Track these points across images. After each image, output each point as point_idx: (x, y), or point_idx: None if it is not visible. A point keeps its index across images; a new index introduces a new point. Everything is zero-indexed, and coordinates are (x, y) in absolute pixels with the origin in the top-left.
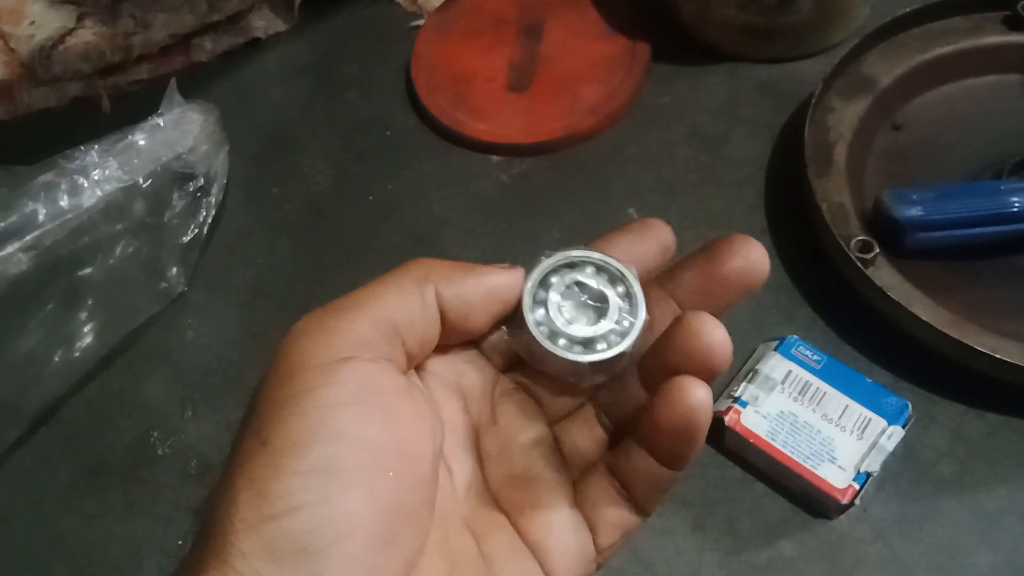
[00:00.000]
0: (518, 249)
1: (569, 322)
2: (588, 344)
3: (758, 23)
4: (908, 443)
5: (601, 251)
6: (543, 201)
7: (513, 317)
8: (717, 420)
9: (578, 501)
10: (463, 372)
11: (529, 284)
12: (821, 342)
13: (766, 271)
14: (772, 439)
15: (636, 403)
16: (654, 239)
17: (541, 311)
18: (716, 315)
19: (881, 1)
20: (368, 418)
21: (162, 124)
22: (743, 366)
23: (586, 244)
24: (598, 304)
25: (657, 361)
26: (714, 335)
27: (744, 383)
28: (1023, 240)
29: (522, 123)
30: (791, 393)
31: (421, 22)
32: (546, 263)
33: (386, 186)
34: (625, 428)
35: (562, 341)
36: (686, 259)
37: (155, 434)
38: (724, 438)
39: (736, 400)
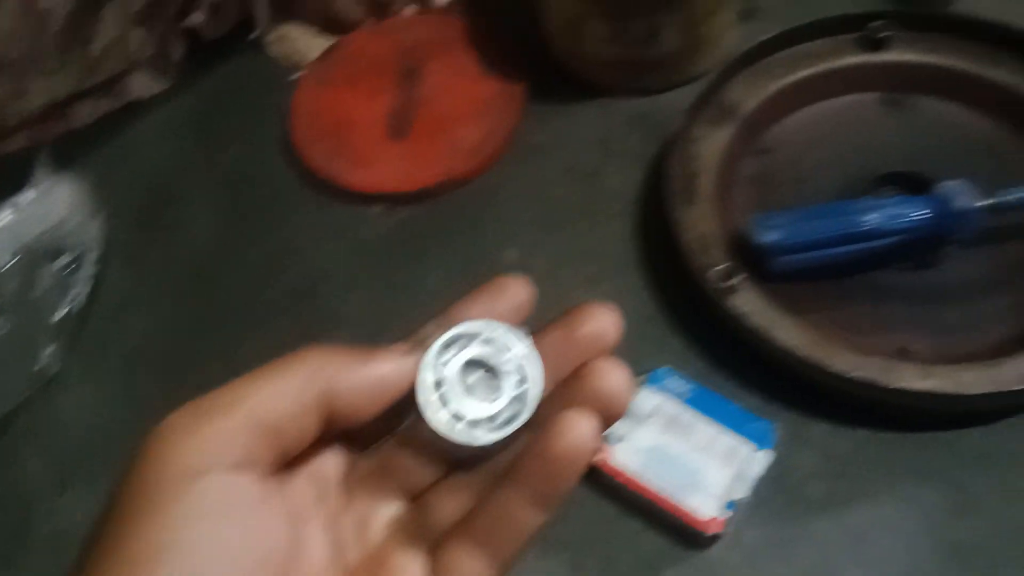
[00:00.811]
0: (400, 299)
1: (468, 399)
2: (493, 420)
3: (628, 56)
4: (778, 465)
5: (458, 315)
6: (425, 247)
7: (409, 404)
8: None
9: (437, 570)
10: (325, 458)
11: (423, 371)
12: (693, 370)
13: (617, 338)
14: (642, 474)
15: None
16: (508, 298)
17: (438, 397)
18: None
19: (751, 29)
20: (226, 530)
21: (31, 199)
22: None
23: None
24: (494, 376)
25: (552, 406)
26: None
27: None
28: (882, 255)
29: (402, 170)
30: (661, 425)
31: (300, 73)
32: (437, 344)
33: (268, 242)
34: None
35: (463, 424)
36: (546, 327)
37: (31, 518)
38: (598, 475)
39: (607, 437)
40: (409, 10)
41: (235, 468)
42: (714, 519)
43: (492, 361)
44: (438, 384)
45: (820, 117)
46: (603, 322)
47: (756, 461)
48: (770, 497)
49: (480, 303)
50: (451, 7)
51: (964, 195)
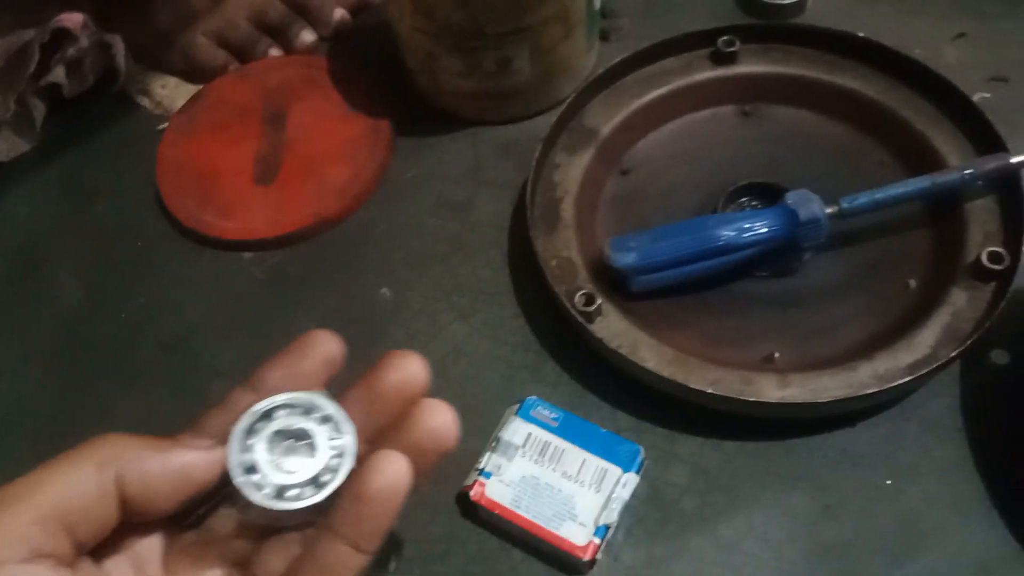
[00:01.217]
0: (275, 347)
1: (282, 471)
2: (312, 482)
3: (485, 88)
4: (652, 484)
5: (267, 376)
6: (298, 292)
7: (228, 491)
8: (464, 495)
9: None
10: (145, 536)
11: (231, 455)
12: (567, 395)
13: (424, 382)
14: (516, 507)
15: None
16: (317, 354)
17: (252, 477)
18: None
19: (613, 49)
20: None
21: None
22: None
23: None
24: (307, 442)
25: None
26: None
27: (488, 453)
28: (740, 267)
29: (271, 216)
30: (532, 456)
31: (166, 124)
32: (241, 425)
33: (139, 297)
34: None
35: (282, 494)
36: (355, 382)
37: None
38: (475, 511)
39: (481, 472)
40: (273, 53)
41: (28, 560)
42: (591, 542)
43: (301, 427)
44: (250, 467)
45: (678, 134)
46: (408, 370)
47: (625, 484)
48: (645, 516)
49: (288, 363)
50: (315, 49)
51: (810, 203)
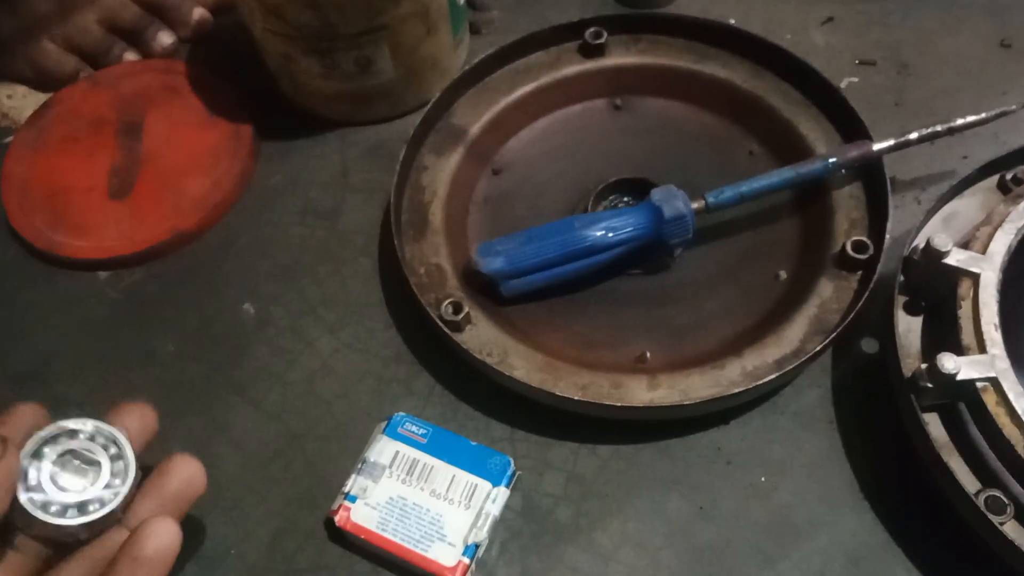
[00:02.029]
0: (134, 373)
1: (62, 489)
2: (82, 507)
3: (348, 89)
4: (526, 494)
5: (137, 509)
6: (158, 312)
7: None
8: (331, 520)
9: None
10: None
11: (20, 474)
12: (440, 408)
13: (202, 485)
14: (383, 530)
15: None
16: (177, 478)
17: (33, 485)
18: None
19: (481, 44)
20: None
21: None
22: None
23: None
24: (92, 467)
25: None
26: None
27: (353, 476)
28: (611, 266)
29: (126, 232)
30: (399, 475)
31: (12, 137)
32: (38, 436)
33: None
34: None
35: (54, 508)
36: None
37: None
38: (343, 537)
39: (347, 496)
40: (128, 57)
41: None
42: (457, 564)
43: (92, 453)
44: (35, 475)
45: (550, 130)
46: (187, 474)
47: (495, 500)
48: (520, 530)
49: (155, 493)
50: (174, 52)
51: (675, 200)
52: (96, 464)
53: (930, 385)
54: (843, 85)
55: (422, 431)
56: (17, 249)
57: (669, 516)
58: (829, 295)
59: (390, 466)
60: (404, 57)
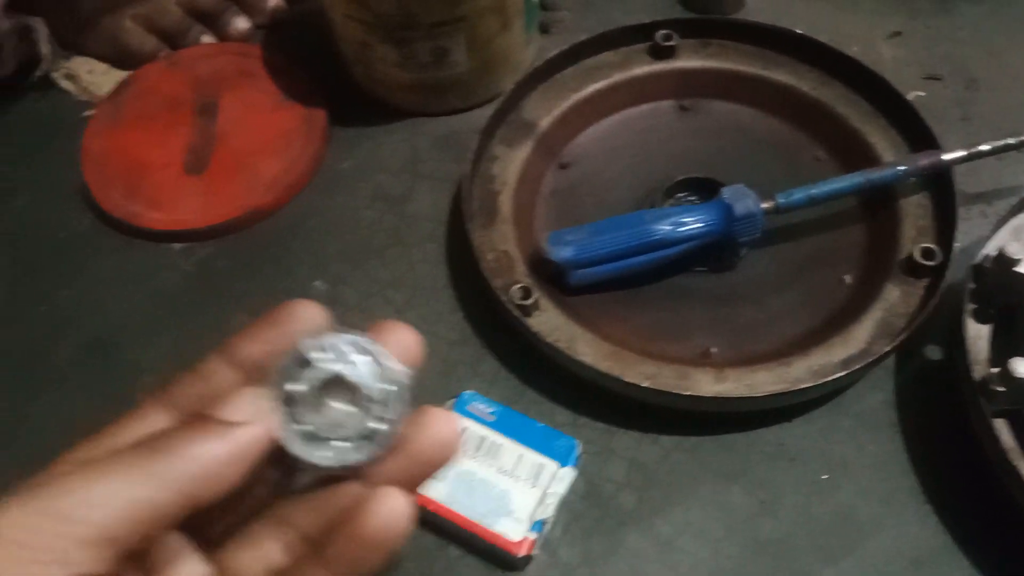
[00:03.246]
0: (204, 343)
1: (329, 419)
2: (367, 432)
3: (422, 79)
4: (590, 480)
5: (240, 348)
6: (228, 285)
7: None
8: None
9: None
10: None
11: (283, 420)
12: (505, 390)
13: (454, 452)
14: (451, 503)
15: (327, 513)
16: (299, 327)
17: (297, 416)
18: None
19: (552, 42)
20: None
21: None
22: None
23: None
24: (349, 387)
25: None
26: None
27: None
28: (677, 262)
29: (201, 206)
30: (468, 451)
31: (93, 111)
32: (282, 385)
33: (62, 294)
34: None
35: (326, 448)
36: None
37: None
38: None
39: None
40: (205, 40)
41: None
42: (523, 540)
43: (344, 372)
44: (304, 429)
45: (617, 128)
46: (445, 435)
47: (560, 479)
48: (582, 512)
49: (266, 336)
50: (249, 37)
51: (746, 199)
52: (361, 389)
53: (1001, 389)
54: (909, 98)
55: (490, 410)
56: (94, 219)
57: (731, 508)
58: (896, 299)
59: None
60: (478, 50)
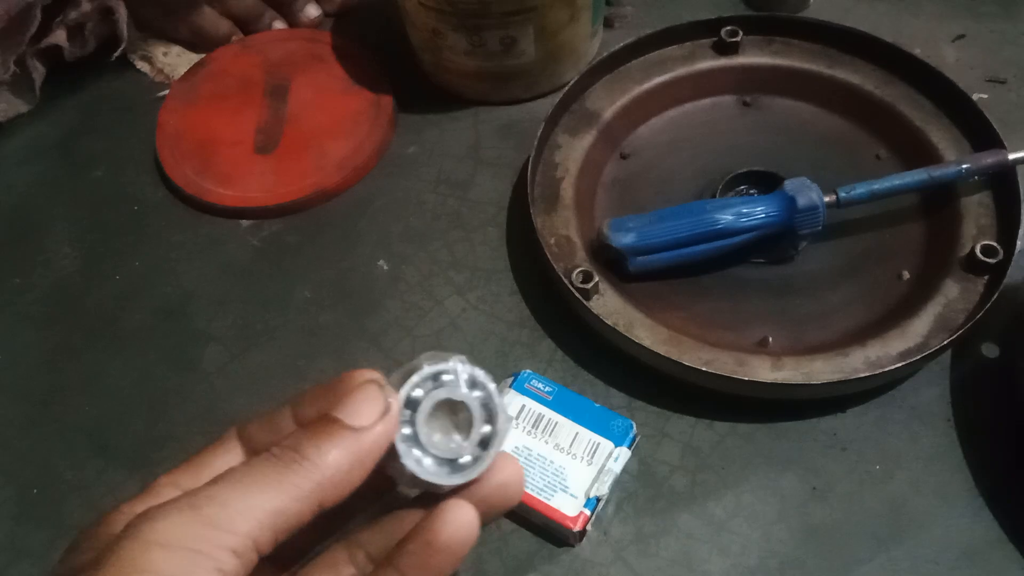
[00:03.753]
0: (270, 314)
1: (434, 440)
2: (454, 463)
3: (489, 68)
4: (643, 461)
5: (306, 407)
6: (294, 261)
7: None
8: None
9: None
10: None
11: (399, 432)
12: (561, 373)
13: (518, 496)
14: None
15: (396, 536)
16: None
17: (407, 435)
18: None
19: (615, 35)
20: None
21: None
22: None
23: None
24: (461, 412)
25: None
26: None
27: None
28: (737, 252)
29: (270, 184)
30: (525, 427)
31: (167, 92)
32: (411, 383)
33: (133, 263)
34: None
35: (427, 462)
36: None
37: None
38: None
39: None
40: (277, 26)
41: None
42: (581, 513)
43: (457, 398)
44: (412, 435)
45: (679, 121)
46: (507, 476)
47: (616, 459)
48: (636, 492)
49: (326, 397)
50: (319, 24)
51: (809, 191)
52: (465, 410)
53: None
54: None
55: (548, 388)
56: (167, 193)
57: (783, 493)
58: (955, 296)
59: (516, 418)
60: (546, 40)
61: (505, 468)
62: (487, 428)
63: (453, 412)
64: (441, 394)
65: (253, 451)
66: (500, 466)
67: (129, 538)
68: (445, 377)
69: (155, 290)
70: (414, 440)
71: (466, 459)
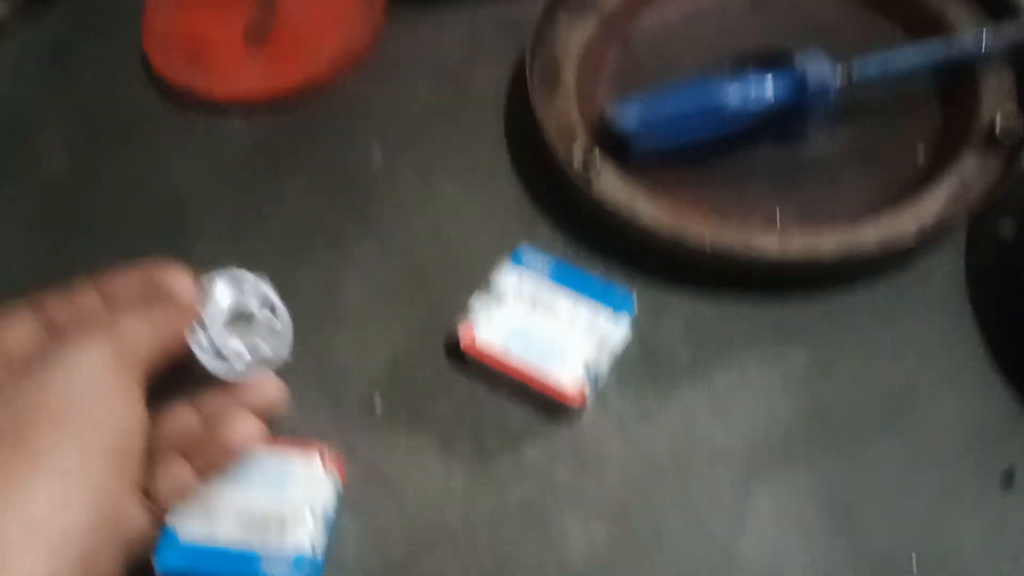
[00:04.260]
0: (264, 210)
1: (228, 336)
2: (243, 356)
3: None
4: (644, 335)
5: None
6: (289, 158)
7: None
8: (453, 342)
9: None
10: None
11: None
12: (560, 253)
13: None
14: (505, 351)
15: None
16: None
17: (205, 334)
18: None
19: None
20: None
21: None
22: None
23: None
24: (248, 316)
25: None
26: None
27: (478, 300)
28: (745, 133)
29: (261, 79)
30: (523, 302)
31: None
32: (214, 289)
33: (128, 165)
34: None
35: (224, 356)
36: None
37: None
38: (465, 356)
39: (471, 319)
40: None
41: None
42: (577, 389)
43: (250, 309)
44: (208, 336)
45: (684, 8)
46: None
47: (616, 329)
48: (636, 366)
49: (135, 279)
50: None
51: (820, 66)
52: (254, 322)
53: None
54: None
55: (546, 263)
56: (157, 93)
57: (789, 368)
58: (972, 172)
59: (515, 293)
60: None
61: (270, 383)
62: (266, 343)
63: (246, 323)
64: (233, 303)
65: (52, 325)
66: (267, 381)
67: None
68: (246, 288)
69: (150, 191)
70: (208, 339)
71: (246, 362)
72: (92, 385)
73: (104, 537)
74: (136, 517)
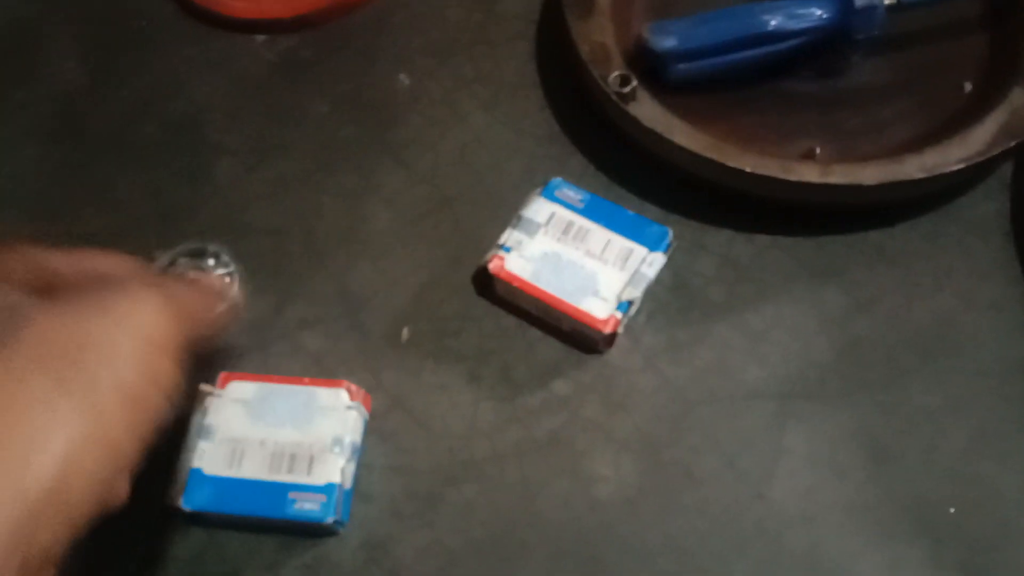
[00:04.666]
0: (286, 128)
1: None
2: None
3: None
4: (678, 273)
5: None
6: (312, 76)
7: None
8: (481, 273)
9: None
10: None
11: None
12: (593, 187)
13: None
14: (536, 280)
15: None
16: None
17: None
18: None
19: None
20: None
21: None
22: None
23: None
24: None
25: None
26: None
27: (509, 229)
28: (785, 61)
29: None
30: (554, 234)
31: None
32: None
33: (144, 78)
34: None
35: None
36: None
37: None
38: (494, 287)
39: (501, 247)
40: None
41: None
42: (612, 316)
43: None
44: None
45: None
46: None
47: (651, 263)
48: (670, 303)
49: (84, 262)
50: None
51: None
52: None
53: None
54: None
55: (579, 196)
56: (176, 7)
57: (825, 306)
58: (1020, 104)
59: (546, 224)
60: None
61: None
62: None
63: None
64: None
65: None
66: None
67: None
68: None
69: (165, 105)
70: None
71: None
72: (148, 337)
73: (93, 485)
74: (122, 488)
